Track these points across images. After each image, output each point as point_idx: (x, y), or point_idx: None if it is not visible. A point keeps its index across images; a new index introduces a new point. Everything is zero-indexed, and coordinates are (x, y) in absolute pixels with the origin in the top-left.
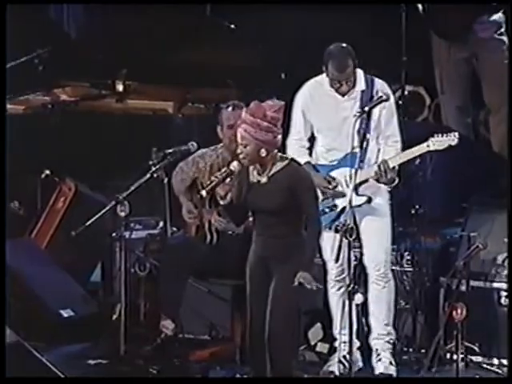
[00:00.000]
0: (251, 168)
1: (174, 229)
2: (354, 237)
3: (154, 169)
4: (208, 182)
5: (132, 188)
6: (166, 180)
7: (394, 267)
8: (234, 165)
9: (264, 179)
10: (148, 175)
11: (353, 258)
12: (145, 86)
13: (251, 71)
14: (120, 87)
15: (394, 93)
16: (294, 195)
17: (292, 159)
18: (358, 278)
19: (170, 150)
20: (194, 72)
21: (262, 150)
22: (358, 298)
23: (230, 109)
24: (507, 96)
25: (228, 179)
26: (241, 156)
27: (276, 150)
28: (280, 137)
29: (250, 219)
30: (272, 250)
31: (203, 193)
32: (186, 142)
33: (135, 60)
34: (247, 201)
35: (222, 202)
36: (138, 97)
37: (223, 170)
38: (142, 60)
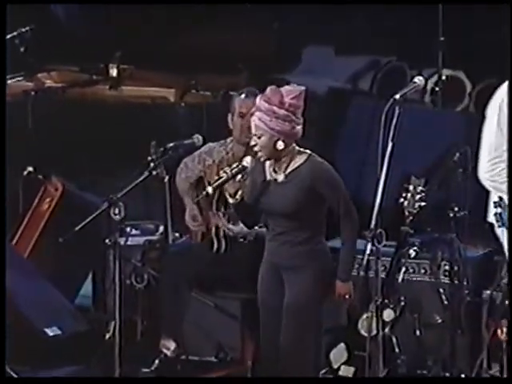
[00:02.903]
0: (267, 164)
1: (176, 234)
2: (382, 244)
3: (153, 166)
4: (216, 178)
5: (128, 188)
6: (166, 178)
7: (428, 278)
8: (248, 160)
9: (281, 177)
10: (146, 173)
11: (381, 269)
12: (142, 71)
13: (263, 56)
14: (114, 72)
15: (428, 78)
16: (315, 194)
17: (311, 154)
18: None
19: (172, 144)
20: (198, 56)
21: (279, 143)
22: (389, 314)
23: (243, 96)
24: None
25: (239, 176)
26: (255, 148)
27: (294, 144)
28: (300, 127)
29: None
30: (287, 258)
31: (209, 189)
32: (190, 134)
33: (131, 42)
34: (261, 202)
35: (231, 201)
36: (134, 83)
37: (234, 166)
38: (140, 42)
